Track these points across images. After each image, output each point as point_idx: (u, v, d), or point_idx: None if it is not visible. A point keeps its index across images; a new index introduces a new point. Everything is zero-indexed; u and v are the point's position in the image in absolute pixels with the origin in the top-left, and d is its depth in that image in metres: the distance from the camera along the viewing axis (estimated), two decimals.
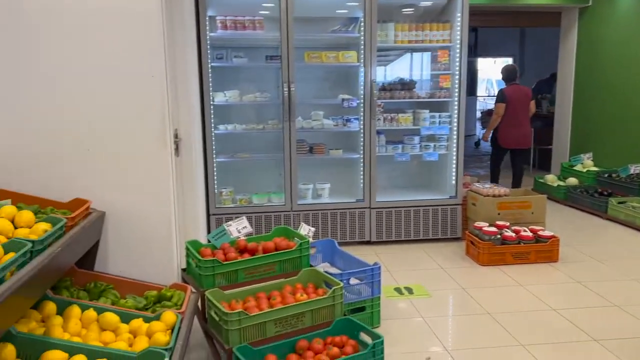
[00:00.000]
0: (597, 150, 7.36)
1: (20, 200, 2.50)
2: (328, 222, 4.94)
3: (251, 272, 2.99)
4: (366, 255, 4.73)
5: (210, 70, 4.65)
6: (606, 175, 6.61)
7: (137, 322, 2.33)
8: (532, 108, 6.41)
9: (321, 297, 2.82)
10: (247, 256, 3.07)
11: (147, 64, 2.74)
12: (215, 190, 4.81)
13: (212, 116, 4.69)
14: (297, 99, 4.74)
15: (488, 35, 13.70)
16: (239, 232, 3.25)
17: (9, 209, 2.18)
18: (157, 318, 2.37)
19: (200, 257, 2.90)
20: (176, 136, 3.60)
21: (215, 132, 4.78)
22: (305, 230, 3.52)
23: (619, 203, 5.86)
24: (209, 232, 4.69)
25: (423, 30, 4.95)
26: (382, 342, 2.60)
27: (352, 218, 4.98)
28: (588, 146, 7.56)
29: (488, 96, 15.98)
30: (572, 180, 6.90)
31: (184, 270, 3.12)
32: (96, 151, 2.75)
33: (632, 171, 6.39)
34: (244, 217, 3.34)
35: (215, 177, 4.80)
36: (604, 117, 7.41)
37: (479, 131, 13.30)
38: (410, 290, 3.99)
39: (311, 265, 3.18)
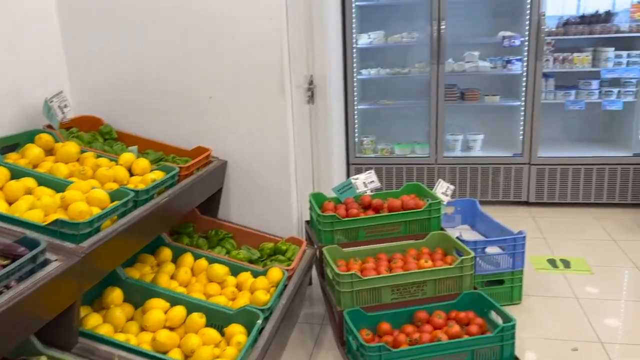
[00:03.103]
0: None
1: (147, 146, 2.58)
2: (478, 178, 4.45)
3: (373, 231, 2.80)
4: (521, 217, 4.19)
5: (353, 10, 4.36)
6: None
7: (245, 276, 2.30)
8: None
9: (447, 267, 2.52)
10: (370, 213, 2.87)
11: (263, 5, 2.58)
12: (356, 139, 4.63)
13: (355, 60, 4.44)
14: (449, 38, 4.24)
15: None
16: (366, 187, 3.04)
17: (128, 156, 2.25)
18: (264, 274, 2.31)
19: (319, 212, 2.76)
20: (311, 82, 3.46)
21: (358, 77, 4.53)
22: (443, 187, 3.17)
23: None
24: None
25: None
26: (513, 327, 2.22)
27: (508, 175, 4.42)
28: None
29: None
30: None
31: (307, 222, 3.03)
32: (218, 100, 2.72)
33: None
34: (372, 171, 3.10)
35: (356, 125, 4.60)
36: None
37: None
38: (566, 264, 3.42)
39: (442, 229, 2.86)
